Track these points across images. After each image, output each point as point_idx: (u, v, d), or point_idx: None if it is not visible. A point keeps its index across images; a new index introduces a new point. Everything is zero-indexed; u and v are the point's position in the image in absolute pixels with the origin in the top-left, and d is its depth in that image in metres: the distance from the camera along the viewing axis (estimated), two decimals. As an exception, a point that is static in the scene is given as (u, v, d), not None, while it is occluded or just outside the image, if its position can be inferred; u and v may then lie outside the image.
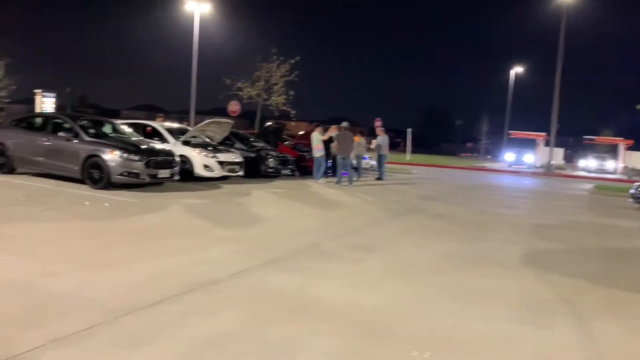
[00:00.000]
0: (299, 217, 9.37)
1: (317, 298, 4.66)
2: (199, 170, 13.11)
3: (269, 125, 18.80)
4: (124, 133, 12.46)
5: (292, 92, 27.55)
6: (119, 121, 14.09)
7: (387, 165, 19.53)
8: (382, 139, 18.40)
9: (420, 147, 63.83)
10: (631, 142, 41.91)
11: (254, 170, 15.13)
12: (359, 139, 17.41)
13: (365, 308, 4.48)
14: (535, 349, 3.84)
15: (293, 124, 44.32)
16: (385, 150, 18.36)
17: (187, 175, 12.76)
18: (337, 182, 15.07)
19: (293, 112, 28.29)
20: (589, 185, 22.39)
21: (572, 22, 31.55)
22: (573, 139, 56.64)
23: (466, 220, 10.27)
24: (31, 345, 3.24)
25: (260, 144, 16.75)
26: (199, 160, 13.15)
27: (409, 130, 41.40)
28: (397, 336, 3.90)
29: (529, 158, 41.41)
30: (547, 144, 35.81)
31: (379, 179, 17.94)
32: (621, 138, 42.53)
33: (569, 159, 48.38)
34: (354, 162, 17.33)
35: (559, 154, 43.33)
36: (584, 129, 63.84)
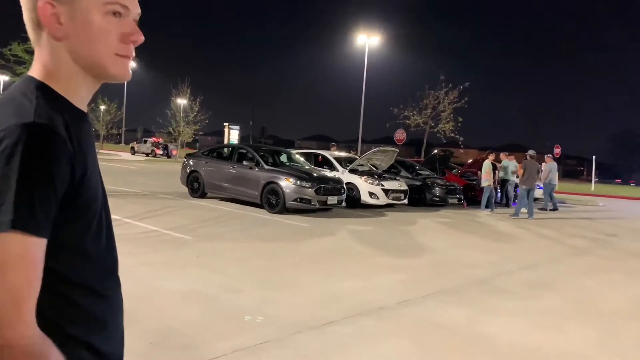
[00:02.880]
0: (468, 248, 9.01)
1: (487, 335, 4.41)
2: (365, 197, 13.40)
3: (435, 153, 18.56)
4: (297, 162, 13.32)
5: (460, 119, 26.89)
6: (293, 151, 15.11)
7: (568, 197, 17.90)
8: (550, 166, 16.98)
9: (607, 177, 57.47)
10: None
11: (419, 198, 15.00)
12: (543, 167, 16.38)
13: (545, 351, 4.12)
14: None
15: (462, 151, 43.12)
16: (553, 179, 16.95)
17: (353, 202, 13.14)
18: (515, 214, 14.10)
19: (461, 139, 27.54)
20: None
21: None
22: None
23: (667, 260, 8.92)
24: (216, 353, 3.58)
25: (426, 172, 16.58)
26: (365, 187, 13.45)
27: (593, 157, 37.51)
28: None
29: None
30: None
31: (546, 209, 16.50)
32: None
33: None
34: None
35: None
36: None
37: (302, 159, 13.87)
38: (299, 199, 11.15)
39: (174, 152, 42.92)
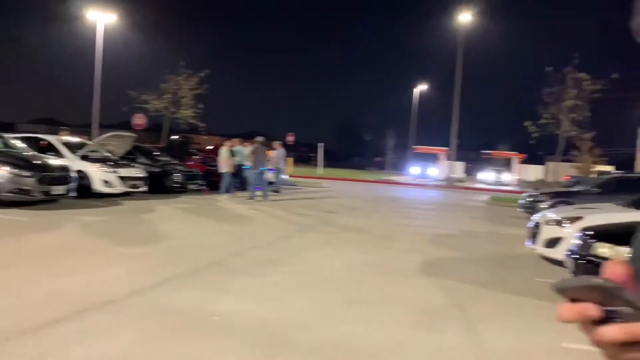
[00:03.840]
0: (206, 232, 9.20)
1: (221, 313, 4.59)
2: (98, 186, 12.49)
3: (174, 139, 18.36)
4: (14, 147, 11.60)
5: (201, 106, 27.12)
6: (10, 135, 13.12)
7: (299, 180, 19.66)
8: (278, 152, 18.50)
9: (333, 161, 65.04)
10: (524, 156, 45.38)
11: (158, 185, 14.65)
12: (272, 153, 17.52)
13: (271, 321, 4.48)
14: (428, 353, 4.03)
15: (205, 137, 43.54)
16: (281, 164, 18.58)
17: (85, 191, 12.11)
18: (251, 198, 14.88)
19: (202, 125, 27.82)
20: (486, 197, 23.90)
21: (471, 42, 33.58)
22: (474, 153, 60.76)
23: (373, 231, 10.58)
24: None
25: (166, 158, 16.29)
26: (98, 175, 12.54)
27: (320, 144, 42.08)
28: (301, 347, 3.94)
29: (433, 171, 43.47)
30: (449, 158, 37.81)
31: (278, 191, 18.00)
32: (515, 152, 45.92)
33: (470, 172, 51.38)
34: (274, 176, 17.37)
35: (459, 167, 45.90)
36: (483, 144, 68.39)
37: (21, 144, 12.14)
38: (16, 190, 9.78)
39: None
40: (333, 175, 36.62)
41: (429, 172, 43.48)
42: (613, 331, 0.57)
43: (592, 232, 6.03)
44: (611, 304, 0.58)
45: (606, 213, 7.67)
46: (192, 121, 27.20)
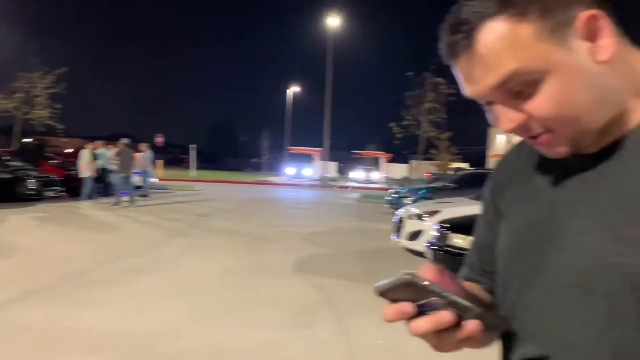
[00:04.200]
0: (65, 243, 8.50)
1: (82, 329, 4.28)
2: None
3: (27, 142, 16.76)
4: None
5: (58, 106, 24.96)
6: None
7: (170, 183, 18.95)
8: (144, 154, 17.71)
9: (207, 163, 63.66)
10: (390, 155, 48.18)
11: (10, 193, 13.27)
12: (139, 155, 16.64)
13: (138, 333, 4.27)
14: (301, 349, 4.11)
15: (64, 140, 40.29)
16: (149, 167, 17.86)
17: None
18: (117, 203, 14.03)
19: (60, 127, 25.64)
20: (356, 195, 24.97)
21: (341, 46, 34.90)
22: (345, 153, 63.11)
23: (247, 233, 10.53)
24: None
25: (18, 163, 14.80)
26: None
27: (192, 146, 41.02)
28: (169, 357, 3.80)
29: (308, 171, 44.44)
30: (322, 158, 38.85)
31: (146, 195, 17.25)
32: (382, 152, 48.54)
33: (342, 171, 53.31)
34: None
35: (332, 167, 47.50)
36: (354, 144, 71.55)
37: None
38: None
39: None
40: (207, 177, 35.85)
41: (303, 172, 44.37)
42: (423, 323, 0.65)
43: (448, 225, 6.58)
44: (423, 297, 0.65)
45: (460, 206, 8.39)
46: (48, 122, 24.94)
